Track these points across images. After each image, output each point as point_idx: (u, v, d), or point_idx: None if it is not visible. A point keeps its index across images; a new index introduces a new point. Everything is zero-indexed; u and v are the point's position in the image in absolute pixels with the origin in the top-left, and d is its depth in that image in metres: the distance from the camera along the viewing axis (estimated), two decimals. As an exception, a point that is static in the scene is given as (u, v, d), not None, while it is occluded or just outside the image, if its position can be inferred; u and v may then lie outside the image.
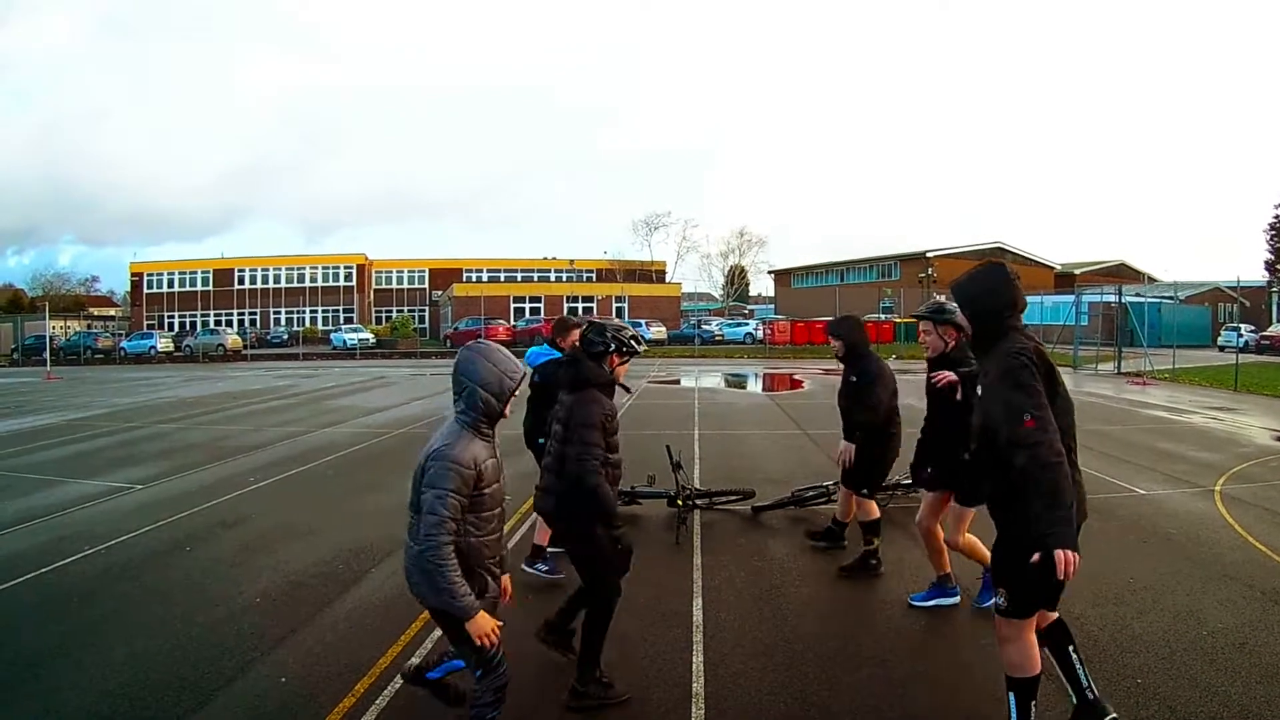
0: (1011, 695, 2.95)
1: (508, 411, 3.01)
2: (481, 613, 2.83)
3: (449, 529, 2.78)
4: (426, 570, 2.79)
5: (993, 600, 3.09)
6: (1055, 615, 3.10)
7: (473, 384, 2.94)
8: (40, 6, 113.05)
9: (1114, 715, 3.07)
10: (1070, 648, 3.09)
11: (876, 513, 5.31)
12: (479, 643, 2.83)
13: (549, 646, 3.89)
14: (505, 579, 3.14)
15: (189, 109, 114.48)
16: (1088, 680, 3.07)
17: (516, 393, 3.03)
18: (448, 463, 2.82)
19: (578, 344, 4.07)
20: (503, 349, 3.08)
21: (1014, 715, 2.94)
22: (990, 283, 3.05)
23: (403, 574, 2.98)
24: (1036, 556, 2.63)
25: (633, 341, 3.98)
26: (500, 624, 2.91)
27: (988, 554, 4.07)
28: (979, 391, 3.07)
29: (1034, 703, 2.94)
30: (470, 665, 3.01)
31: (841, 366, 5.50)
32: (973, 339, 3.12)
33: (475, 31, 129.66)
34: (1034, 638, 2.95)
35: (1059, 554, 2.58)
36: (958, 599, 4.65)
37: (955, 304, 3.86)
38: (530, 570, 5.14)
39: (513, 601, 3.14)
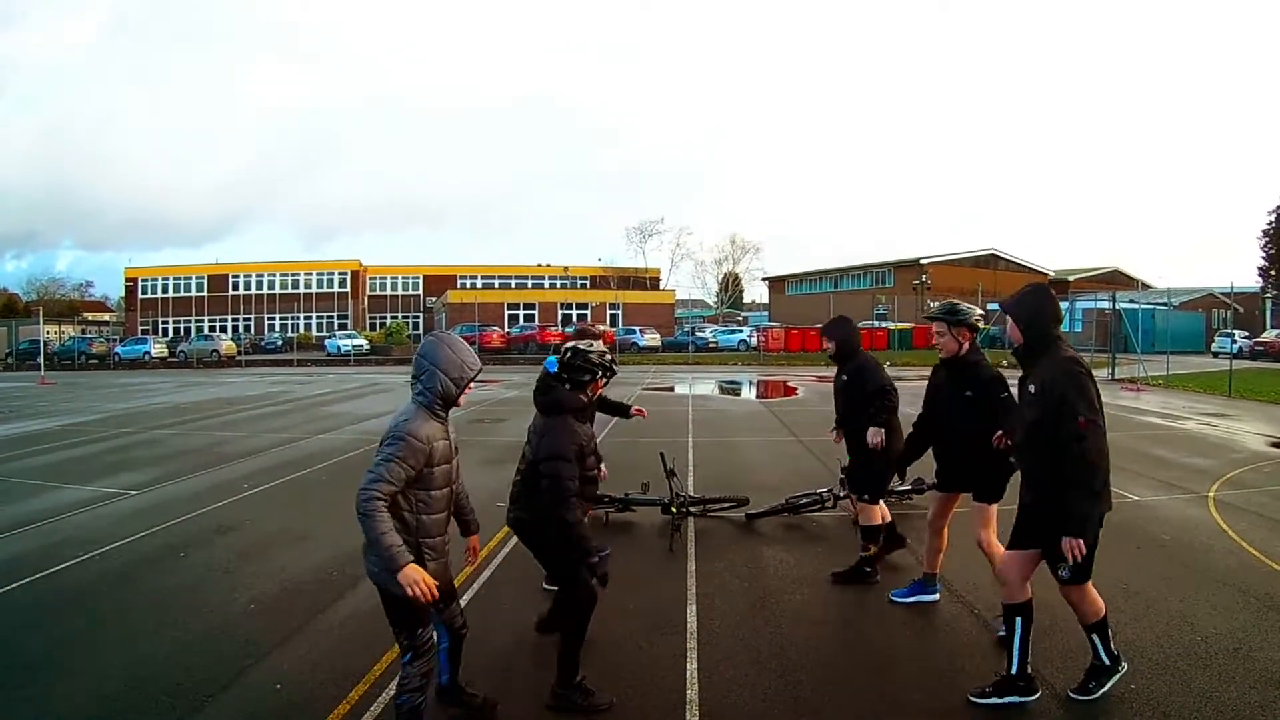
0: (1094, 636, 3.55)
1: (462, 401, 3.26)
2: (412, 564, 2.89)
3: (384, 489, 2.94)
4: (359, 515, 2.92)
5: (1057, 573, 3.48)
6: (1029, 595, 3.59)
7: (434, 368, 3.18)
8: (44, 12, 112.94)
9: (1038, 696, 3.54)
10: (1019, 620, 3.55)
11: (879, 518, 5.26)
12: (409, 592, 2.85)
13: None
14: (473, 539, 3.51)
15: (190, 115, 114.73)
16: (1024, 659, 3.54)
17: (473, 384, 3.27)
18: (403, 434, 3.03)
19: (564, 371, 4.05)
20: (465, 343, 3.33)
21: (1100, 651, 3.55)
22: (1041, 302, 3.59)
23: None
24: (1066, 569, 3.36)
25: (612, 365, 4.11)
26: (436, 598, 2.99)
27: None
28: (1031, 390, 3.49)
29: (1110, 630, 3.59)
30: (401, 648, 3.13)
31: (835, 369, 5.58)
32: (1023, 348, 3.57)
33: (472, 39, 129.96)
34: (1093, 591, 3.52)
35: (1068, 542, 3.27)
36: (937, 597, 4.80)
37: (968, 306, 4.42)
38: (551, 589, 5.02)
39: (474, 560, 3.54)
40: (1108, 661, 3.53)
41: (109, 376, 31.85)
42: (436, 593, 2.94)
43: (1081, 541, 3.25)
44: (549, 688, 3.62)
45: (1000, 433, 4.17)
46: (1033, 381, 3.49)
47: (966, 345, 4.50)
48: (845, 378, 5.37)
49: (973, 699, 3.58)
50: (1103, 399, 3.44)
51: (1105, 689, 3.52)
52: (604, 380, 4.09)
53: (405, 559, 2.87)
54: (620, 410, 5.91)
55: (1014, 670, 3.54)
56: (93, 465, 9.91)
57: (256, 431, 13.02)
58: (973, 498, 4.43)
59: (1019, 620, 3.55)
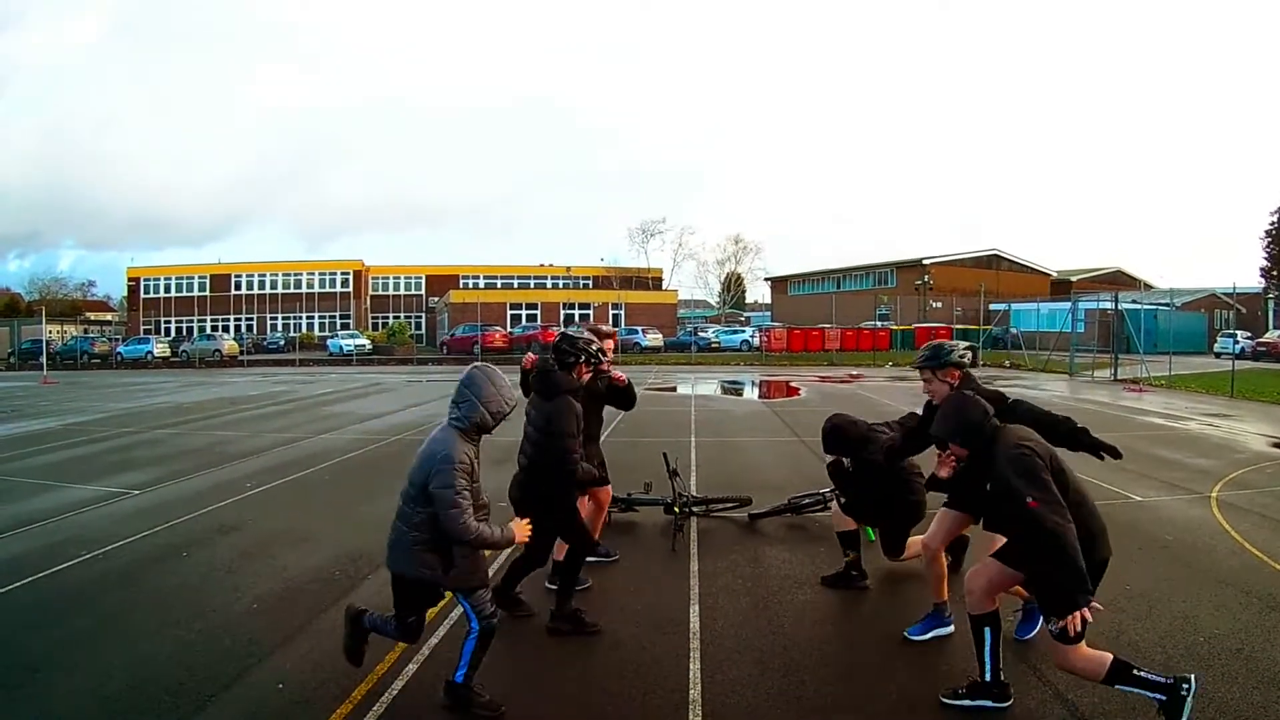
0: (1123, 688, 3.22)
1: (494, 430, 3.57)
2: (514, 523, 3.57)
3: (467, 510, 3.32)
4: (464, 541, 3.36)
5: (1047, 628, 3.31)
6: (995, 606, 3.57)
7: (476, 399, 3.47)
8: (44, 13, 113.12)
9: (1010, 704, 3.49)
10: (987, 630, 3.53)
11: (854, 524, 5.17)
12: (523, 539, 3.64)
13: (504, 609, 4.32)
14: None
15: (192, 116, 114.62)
16: (996, 666, 3.51)
17: (507, 418, 3.59)
18: (452, 465, 3.35)
19: (551, 353, 4.61)
20: (505, 378, 3.59)
21: (1149, 691, 3.17)
22: (963, 410, 3.56)
23: None
24: (1058, 625, 3.10)
25: (599, 354, 4.62)
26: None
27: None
28: (989, 488, 3.43)
29: (1135, 669, 3.21)
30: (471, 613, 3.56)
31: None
32: (971, 458, 3.53)
33: (472, 40, 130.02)
34: (1087, 649, 3.22)
35: (1075, 617, 3.05)
36: (952, 629, 4.34)
37: (952, 343, 4.16)
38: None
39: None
40: (1165, 697, 3.13)
41: (111, 376, 31.89)
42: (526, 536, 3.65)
43: (1085, 611, 3.05)
44: (551, 688, 3.64)
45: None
46: (990, 480, 3.42)
47: (957, 384, 4.16)
48: (852, 471, 5.13)
49: (944, 700, 3.58)
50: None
51: (1188, 711, 3.10)
52: (587, 366, 4.56)
53: (509, 529, 3.51)
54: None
55: (988, 678, 3.52)
56: (95, 465, 9.92)
57: (259, 431, 13.03)
58: (983, 525, 4.06)
59: (987, 630, 3.53)
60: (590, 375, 4.72)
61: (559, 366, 4.47)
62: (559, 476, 4.33)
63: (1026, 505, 3.12)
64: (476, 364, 3.63)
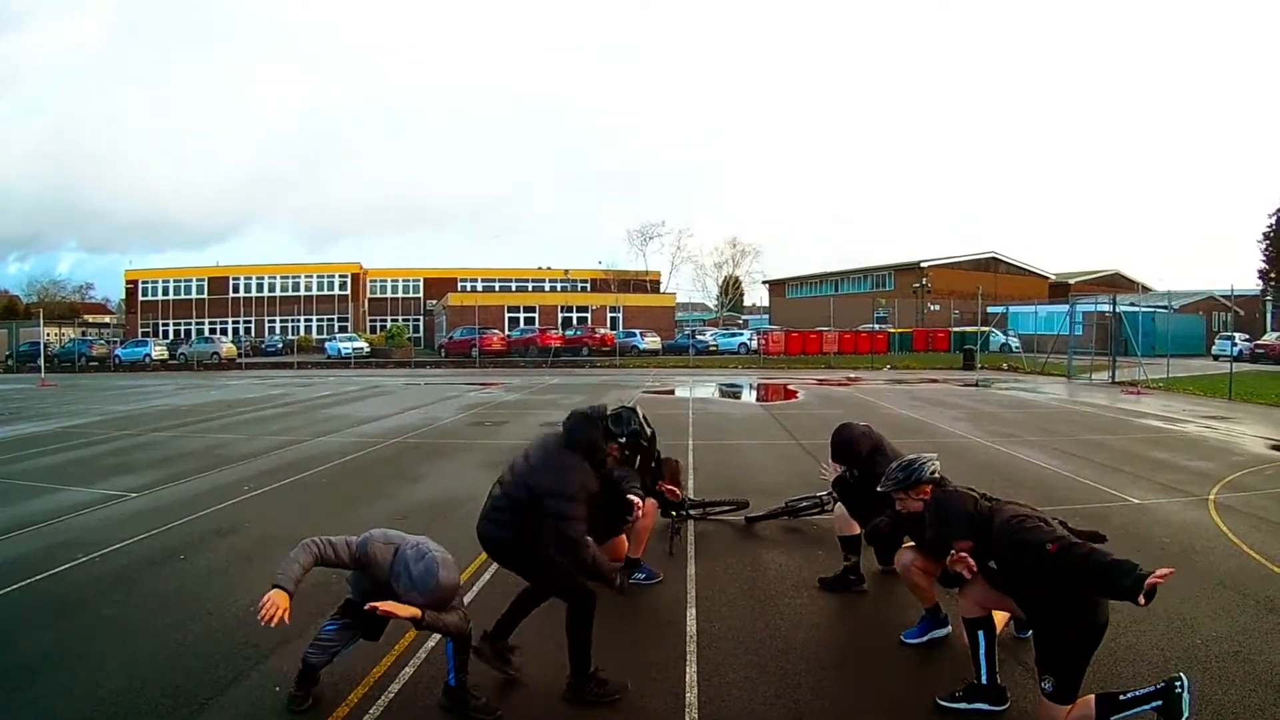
0: (1125, 714, 3.12)
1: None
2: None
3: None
4: None
5: (1040, 685, 3.28)
6: (986, 615, 3.60)
7: (411, 581, 3.39)
8: (45, 14, 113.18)
9: (1007, 707, 3.52)
10: (980, 633, 3.56)
11: (857, 529, 5.09)
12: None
13: (485, 660, 3.86)
14: None
15: (193, 117, 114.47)
16: (991, 669, 3.55)
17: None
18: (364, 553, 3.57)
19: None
20: (452, 587, 3.51)
21: (1151, 701, 3.08)
22: (946, 510, 3.59)
23: None
24: (1153, 580, 2.91)
25: (640, 440, 4.55)
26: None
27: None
28: (993, 566, 3.43)
29: (1119, 696, 3.14)
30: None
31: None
32: (979, 544, 3.46)
33: (472, 40, 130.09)
34: (1070, 710, 3.18)
35: (1151, 583, 2.87)
36: (949, 629, 4.33)
37: (920, 460, 4.02)
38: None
39: None
40: (1161, 702, 3.08)
41: (109, 379, 31.87)
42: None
43: (1154, 579, 2.89)
44: (547, 688, 3.65)
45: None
46: (992, 558, 3.44)
47: (928, 497, 4.01)
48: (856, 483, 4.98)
49: (940, 703, 3.59)
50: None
51: (1187, 707, 3.04)
52: (618, 445, 4.29)
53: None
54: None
55: (984, 681, 3.55)
56: (93, 467, 9.91)
57: (256, 434, 13.02)
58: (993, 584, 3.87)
59: (981, 634, 3.57)
60: (616, 459, 4.26)
61: (631, 449, 4.17)
62: (552, 542, 3.69)
63: (1049, 553, 3.18)
64: (440, 568, 3.42)
